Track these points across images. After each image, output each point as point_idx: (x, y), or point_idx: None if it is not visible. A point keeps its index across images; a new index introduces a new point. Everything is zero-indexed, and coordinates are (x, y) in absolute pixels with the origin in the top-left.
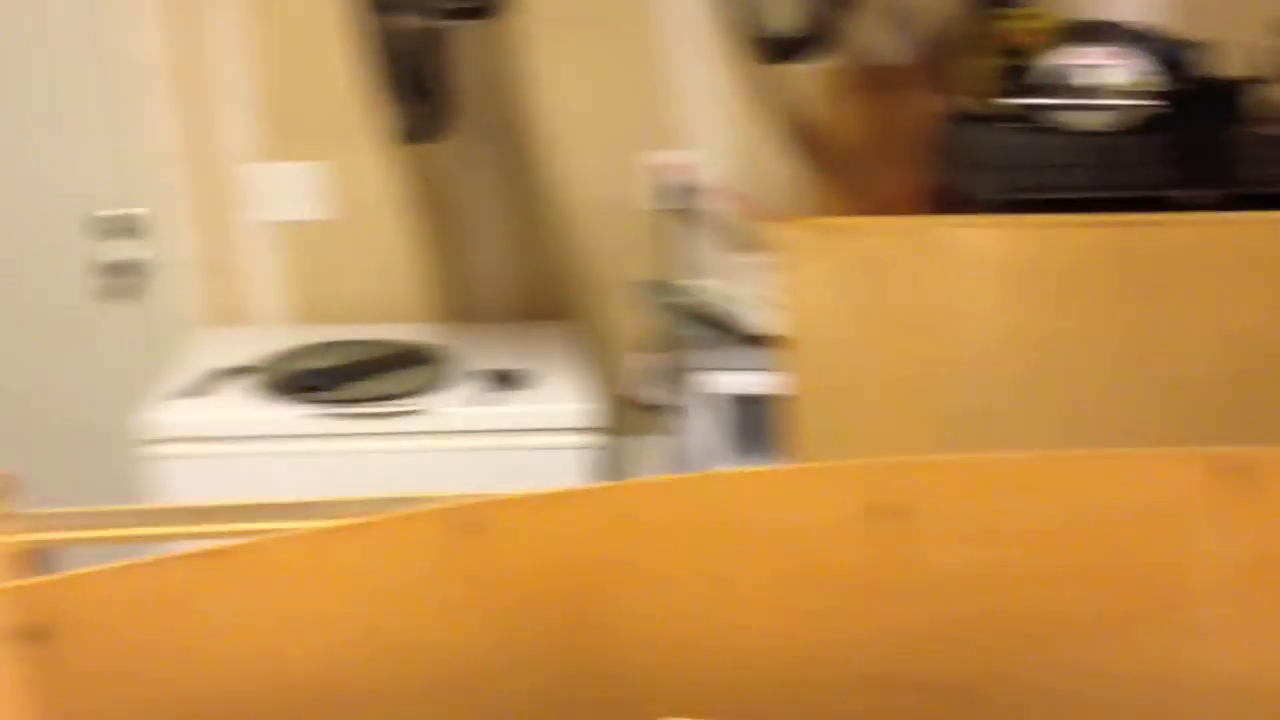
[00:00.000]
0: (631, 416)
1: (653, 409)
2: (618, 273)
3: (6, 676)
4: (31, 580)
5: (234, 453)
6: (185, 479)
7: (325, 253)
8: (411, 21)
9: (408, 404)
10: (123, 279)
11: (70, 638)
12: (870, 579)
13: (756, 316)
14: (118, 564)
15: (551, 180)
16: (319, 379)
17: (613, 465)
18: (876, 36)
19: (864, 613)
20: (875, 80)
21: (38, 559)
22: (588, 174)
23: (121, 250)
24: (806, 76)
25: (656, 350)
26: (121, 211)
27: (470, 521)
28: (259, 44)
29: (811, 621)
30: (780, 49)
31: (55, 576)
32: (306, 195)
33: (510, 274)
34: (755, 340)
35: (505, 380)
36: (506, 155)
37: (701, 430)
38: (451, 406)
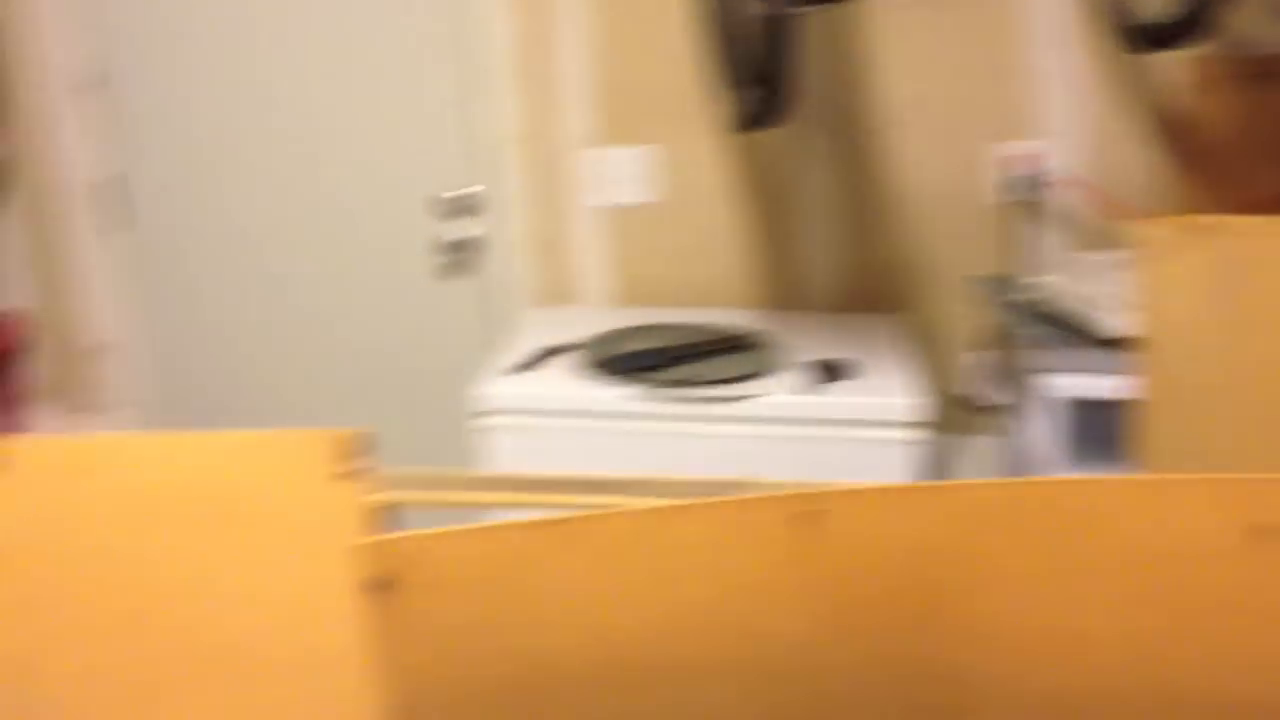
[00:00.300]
0: (961, 415)
1: (984, 408)
2: (955, 266)
3: (361, 624)
4: (383, 535)
5: (559, 428)
6: (513, 449)
7: (654, 236)
8: (755, 6)
9: (731, 390)
10: (462, 256)
11: (414, 592)
12: (1247, 602)
13: (1105, 317)
14: (463, 525)
15: (890, 168)
16: (645, 360)
17: (939, 464)
18: (1256, 23)
19: (1238, 637)
20: (1252, 70)
21: (385, 515)
22: (929, 163)
23: (462, 229)
24: (1175, 65)
25: (992, 348)
26: (463, 191)
27: (810, 510)
28: (602, 31)
29: (1175, 641)
30: (1150, 36)
31: (405, 533)
32: (638, 179)
33: (840, 263)
34: (1101, 342)
35: (831, 371)
36: (844, 142)
37: (1036, 433)
38: (775, 394)
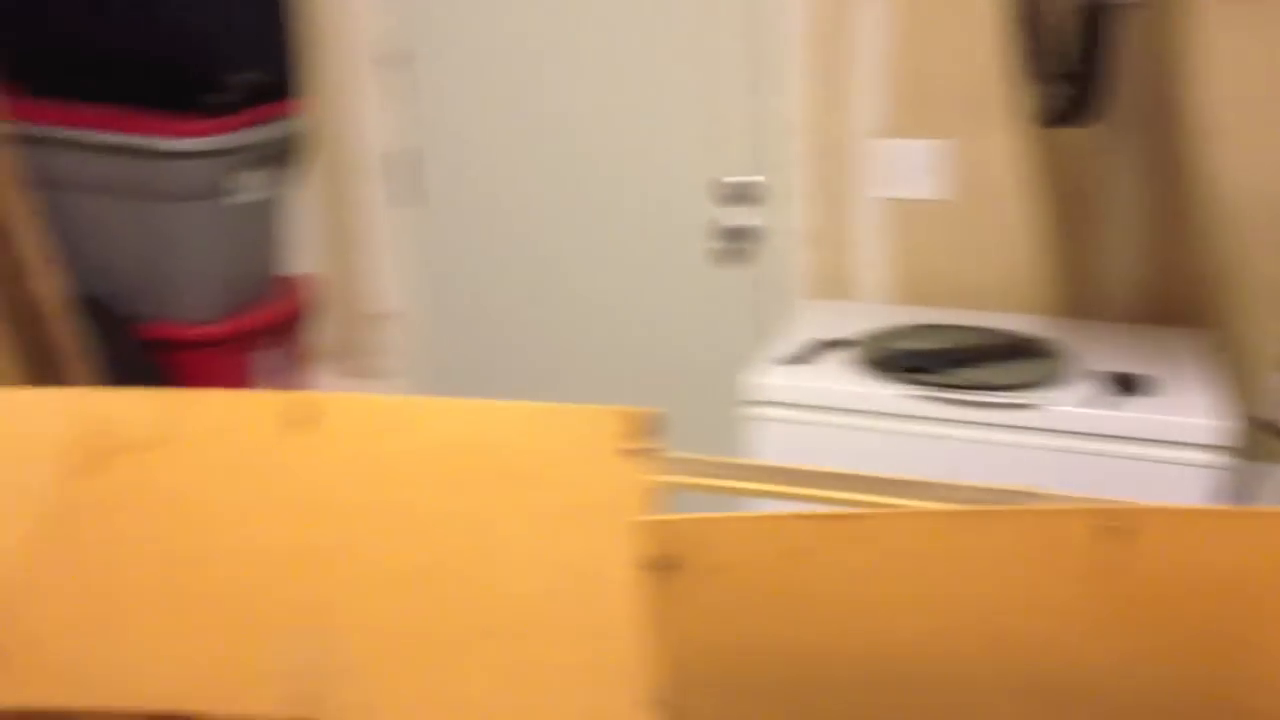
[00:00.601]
0: (1268, 441)
1: None
2: (1271, 280)
3: (638, 600)
4: (668, 516)
5: (830, 423)
6: (780, 441)
7: (939, 233)
8: None
9: (1015, 397)
10: (738, 244)
11: (695, 574)
12: None
13: None
14: (747, 513)
15: (1205, 173)
16: (923, 361)
17: (1239, 491)
18: None
19: None
20: None
21: (664, 497)
22: (1249, 169)
23: (740, 216)
24: None
25: None
26: (745, 179)
27: (1117, 526)
28: (900, 16)
29: None
30: None
31: (690, 515)
32: (927, 173)
33: (1142, 271)
34: None
35: (1126, 384)
36: (1155, 143)
37: None
38: (1064, 405)
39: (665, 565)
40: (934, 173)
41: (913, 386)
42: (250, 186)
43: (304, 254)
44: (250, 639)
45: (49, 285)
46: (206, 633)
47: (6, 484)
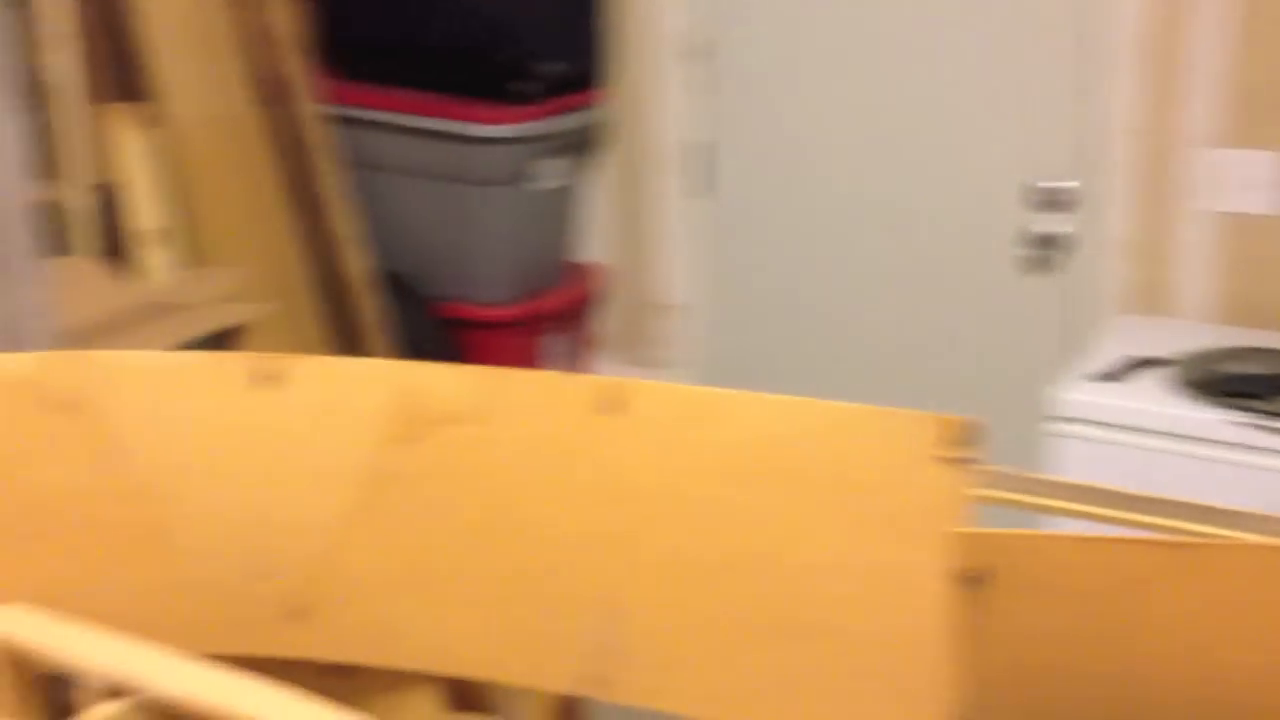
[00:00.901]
0: None
1: None
2: None
3: (944, 613)
4: (985, 529)
5: (1141, 445)
6: (1086, 460)
7: (1275, 251)
8: None
9: None
10: (1047, 252)
11: (1007, 591)
12: None
13: None
14: (1068, 532)
15: None
16: (1251, 385)
17: None
18: None
19: None
20: None
21: (975, 510)
22: None
23: (1052, 223)
24: None
25: None
26: (1059, 184)
27: None
28: (1244, 18)
29: None
30: None
31: (1009, 530)
32: (1266, 186)
33: None
34: None
35: None
36: None
37: None
38: None
39: (979, 580)
40: (1273, 186)
41: (1237, 412)
42: (550, 174)
43: (596, 242)
44: (544, 615)
45: (356, 260)
46: (503, 605)
47: (329, 447)
